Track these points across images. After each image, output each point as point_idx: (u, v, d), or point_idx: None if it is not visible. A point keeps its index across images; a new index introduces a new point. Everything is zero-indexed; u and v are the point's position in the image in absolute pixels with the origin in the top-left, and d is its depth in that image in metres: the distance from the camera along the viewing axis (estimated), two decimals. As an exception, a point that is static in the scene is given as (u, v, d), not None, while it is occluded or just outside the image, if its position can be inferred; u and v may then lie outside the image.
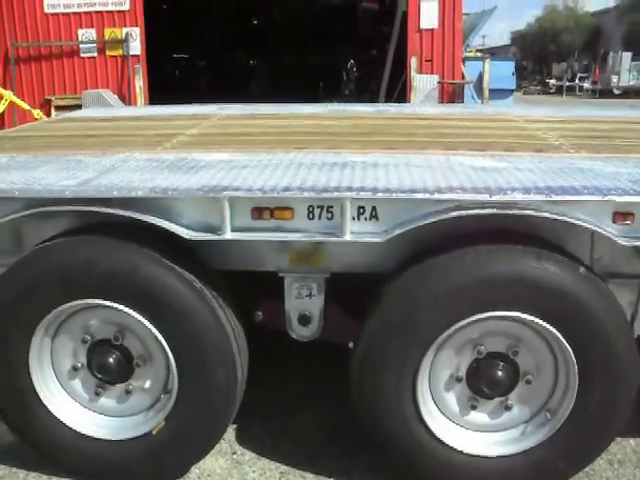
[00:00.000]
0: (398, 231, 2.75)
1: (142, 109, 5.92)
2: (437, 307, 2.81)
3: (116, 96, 15.47)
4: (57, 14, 15.83)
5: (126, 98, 15.63)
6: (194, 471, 3.28)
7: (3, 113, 12.56)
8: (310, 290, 3.07)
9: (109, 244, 2.84)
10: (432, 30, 16.00)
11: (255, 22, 36.33)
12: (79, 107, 15.78)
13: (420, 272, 2.83)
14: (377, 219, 2.79)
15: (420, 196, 2.76)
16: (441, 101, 15.83)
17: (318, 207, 2.79)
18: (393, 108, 6.03)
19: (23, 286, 2.92)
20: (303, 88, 21.90)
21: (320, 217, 2.79)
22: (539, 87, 42.58)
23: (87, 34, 15.89)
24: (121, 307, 2.89)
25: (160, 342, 2.94)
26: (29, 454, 3.28)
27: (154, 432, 3.07)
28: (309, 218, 2.80)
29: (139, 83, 15.46)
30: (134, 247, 2.82)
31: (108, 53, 15.96)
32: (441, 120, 4.82)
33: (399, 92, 16.95)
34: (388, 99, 16.73)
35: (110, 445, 3.11)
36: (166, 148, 3.74)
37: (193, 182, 2.94)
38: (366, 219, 2.79)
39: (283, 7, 31.87)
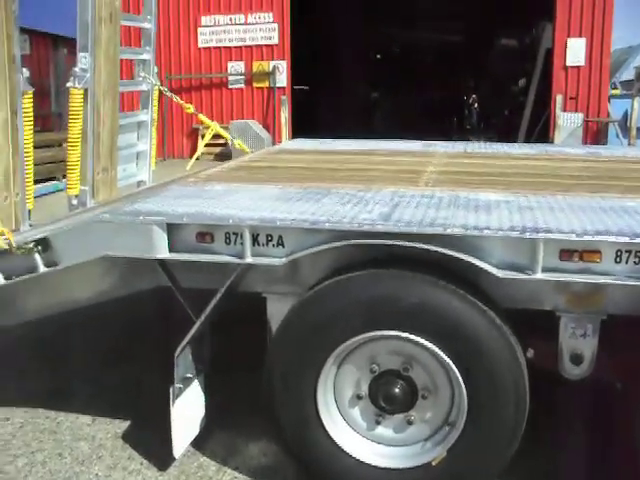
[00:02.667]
0: None
1: (341, 143, 6.04)
2: None
3: (261, 126, 15.95)
4: (209, 48, 16.55)
5: (270, 129, 16.12)
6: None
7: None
8: (585, 330, 3.09)
9: (415, 278, 2.94)
10: (578, 67, 15.79)
11: (378, 56, 36.67)
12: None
13: None
14: (680, 263, 2.82)
15: None
16: (585, 141, 15.58)
17: (626, 252, 2.82)
18: (602, 150, 6.01)
19: (324, 315, 3.06)
20: (425, 122, 22.00)
21: (627, 261, 2.83)
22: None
23: (236, 67, 16.52)
24: (419, 339, 2.98)
25: (450, 375, 3.03)
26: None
27: (434, 463, 3.13)
28: (616, 262, 2.84)
29: (284, 114, 15.91)
30: (440, 282, 2.91)
31: (255, 85, 16.57)
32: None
33: (539, 130, 16.78)
34: (528, 138, 16.60)
35: (387, 474, 3.18)
36: (427, 185, 3.85)
37: (496, 222, 3.02)
38: (670, 264, 2.82)
39: (406, 41, 32.02)
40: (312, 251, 3.02)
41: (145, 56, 6.34)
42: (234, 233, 3.09)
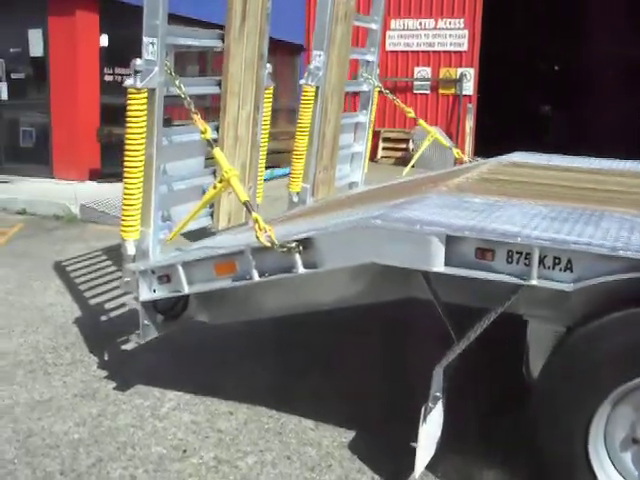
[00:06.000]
0: None
1: (563, 160, 5.72)
2: None
3: (444, 133, 15.64)
4: (396, 52, 16.43)
5: (454, 137, 15.79)
6: None
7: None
8: None
9: None
10: None
11: (555, 68, 35.38)
12: (406, 141, 16.25)
13: None
14: None
15: None
16: None
17: None
18: None
19: (611, 351, 2.80)
20: (598, 140, 20.83)
21: None
22: None
23: (422, 72, 16.33)
24: None
25: None
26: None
27: None
28: None
29: (469, 123, 15.56)
30: None
31: (441, 91, 16.31)
32: None
33: None
34: None
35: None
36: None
37: None
38: None
39: (584, 54, 30.60)
40: (608, 279, 2.74)
41: (369, 57, 6.27)
42: (518, 252, 2.87)
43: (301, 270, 3.25)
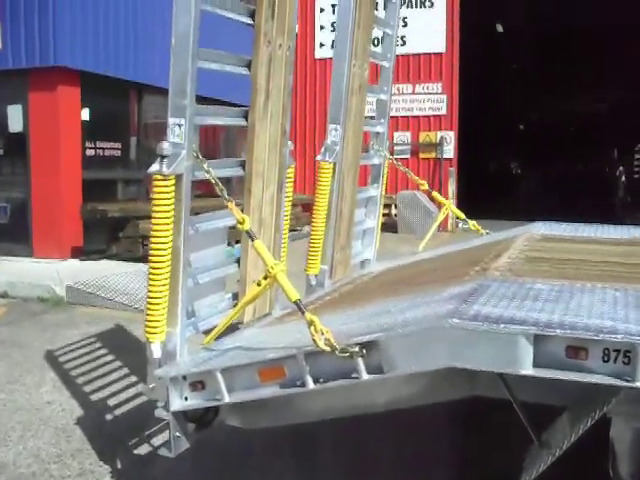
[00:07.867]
0: None
1: (585, 229, 5.49)
2: None
3: (427, 198, 15.54)
4: (376, 117, 16.37)
5: (436, 201, 15.65)
6: None
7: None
8: None
9: None
10: None
11: (520, 127, 35.92)
12: (388, 206, 16.07)
13: None
14: None
15: None
16: None
17: None
18: None
19: None
20: (568, 198, 20.92)
21: None
22: None
23: (402, 137, 16.30)
24: None
25: None
26: None
27: None
28: None
29: (452, 187, 15.47)
30: None
31: (421, 155, 16.25)
32: None
33: None
34: None
35: None
36: None
37: None
38: None
39: (549, 112, 31.12)
40: None
41: (379, 128, 6.05)
42: (615, 350, 2.55)
43: (365, 376, 2.89)
